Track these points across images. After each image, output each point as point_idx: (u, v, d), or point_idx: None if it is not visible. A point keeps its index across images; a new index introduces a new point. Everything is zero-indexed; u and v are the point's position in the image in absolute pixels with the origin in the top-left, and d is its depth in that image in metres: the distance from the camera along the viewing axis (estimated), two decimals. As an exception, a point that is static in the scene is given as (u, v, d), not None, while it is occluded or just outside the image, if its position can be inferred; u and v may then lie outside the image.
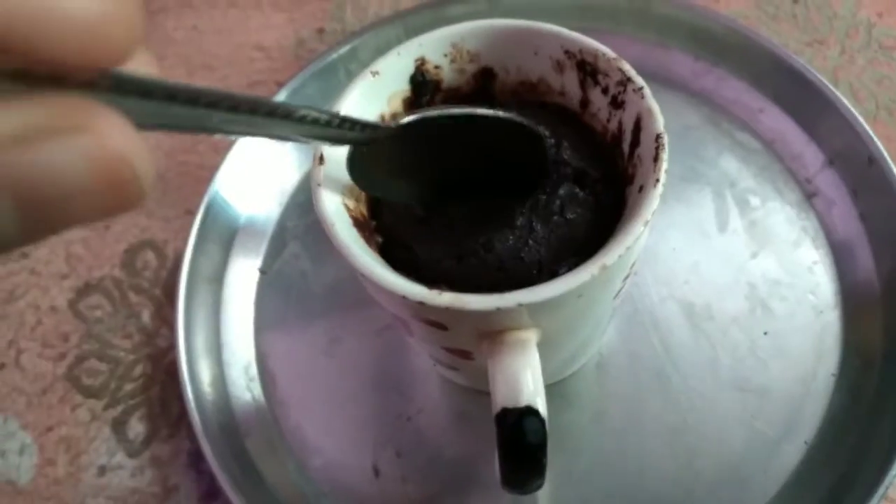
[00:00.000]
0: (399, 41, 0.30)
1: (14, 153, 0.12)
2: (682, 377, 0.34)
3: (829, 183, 0.38)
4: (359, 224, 0.26)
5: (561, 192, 0.27)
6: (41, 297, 0.42)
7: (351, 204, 0.27)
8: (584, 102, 0.29)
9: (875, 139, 0.37)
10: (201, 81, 0.48)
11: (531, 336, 0.24)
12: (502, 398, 0.23)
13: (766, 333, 0.35)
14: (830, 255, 0.37)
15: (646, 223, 0.23)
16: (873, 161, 0.37)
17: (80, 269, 0.43)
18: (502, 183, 0.27)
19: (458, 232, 0.27)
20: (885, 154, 0.37)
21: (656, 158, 0.24)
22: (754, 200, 0.39)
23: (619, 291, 0.27)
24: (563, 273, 0.23)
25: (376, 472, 0.34)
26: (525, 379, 0.23)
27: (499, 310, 0.22)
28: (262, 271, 0.41)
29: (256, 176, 0.43)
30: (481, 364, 0.25)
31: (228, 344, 0.39)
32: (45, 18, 0.12)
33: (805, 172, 0.39)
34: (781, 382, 0.34)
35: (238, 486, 0.33)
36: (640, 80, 0.26)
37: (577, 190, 0.27)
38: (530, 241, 0.26)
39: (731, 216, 0.39)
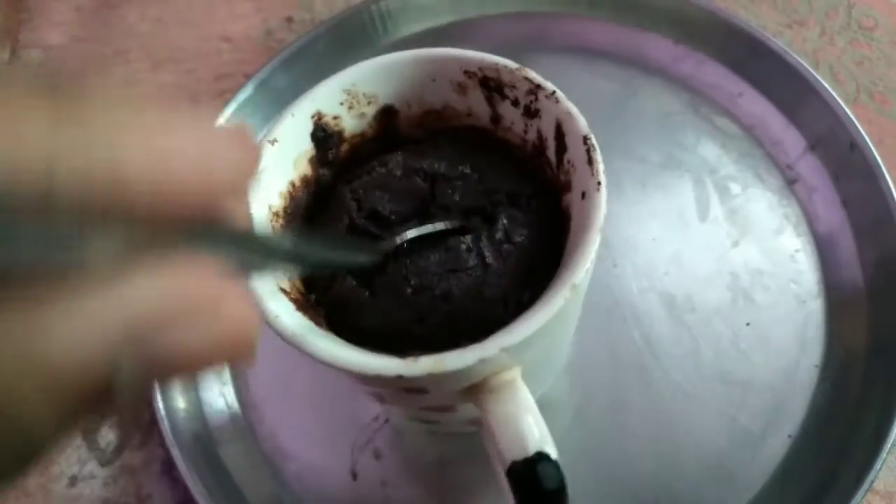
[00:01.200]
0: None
1: (152, 337, 0.12)
2: (664, 371, 0.34)
3: (810, 169, 0.38)
4: (300, 305, 0.24)
5: (502, 218, 0.26)
6: None
7: (286, 285, 0.25)
8: (496, 118, 0.28)
9: (857, 124, 0.36)
10: (167, 75, 0.47)
11: (515, 374, 0.23)
12: (508, 451, 0.22)
13: (748, 324, 0.35)
14: (812, 242, 0.36)
15: (600, 230, 0.22)
16: (855, 146, 0.36)
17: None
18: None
19: (410, 289, 0.25)
20: (867, 139, 0.36)
21: (590, 161, 0.23)
22: (735, 187, 0.38)
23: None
24: (528, 300, 0.22)
25: (354, 475, 0.34)
26: (527, 424, 0.22)
27: (482, 360, 0.21)
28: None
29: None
30: (463, 413, 0.24)
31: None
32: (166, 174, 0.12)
33: (786, 158, 0.38)
34: (765, 375, 0.33)
35: (212, 495, 0.32)
36: (550, 86, 0.25)
37: (516, 212, 0.26)
38: (487, 277, 0.25)
39: (711, 204, 0.38)
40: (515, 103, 0.27)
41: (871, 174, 0.35)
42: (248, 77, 0.43)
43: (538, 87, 0.26)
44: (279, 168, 0.27)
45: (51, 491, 0.36)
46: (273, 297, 0.24)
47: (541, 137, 0.27)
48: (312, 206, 0.29)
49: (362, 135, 0.30)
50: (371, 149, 0.30)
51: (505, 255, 0.25)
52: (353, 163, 0.29)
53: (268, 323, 0.23)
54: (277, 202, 0.27)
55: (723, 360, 0.34)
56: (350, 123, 0.29)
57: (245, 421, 0.36)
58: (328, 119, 0.28)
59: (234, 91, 0.42)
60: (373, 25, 0.44)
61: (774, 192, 0.38)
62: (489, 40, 0.44)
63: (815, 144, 0.38)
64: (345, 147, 0.29)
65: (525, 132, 0.27)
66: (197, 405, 0.36)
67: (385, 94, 0.29)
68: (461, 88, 0.28)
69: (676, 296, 0.36)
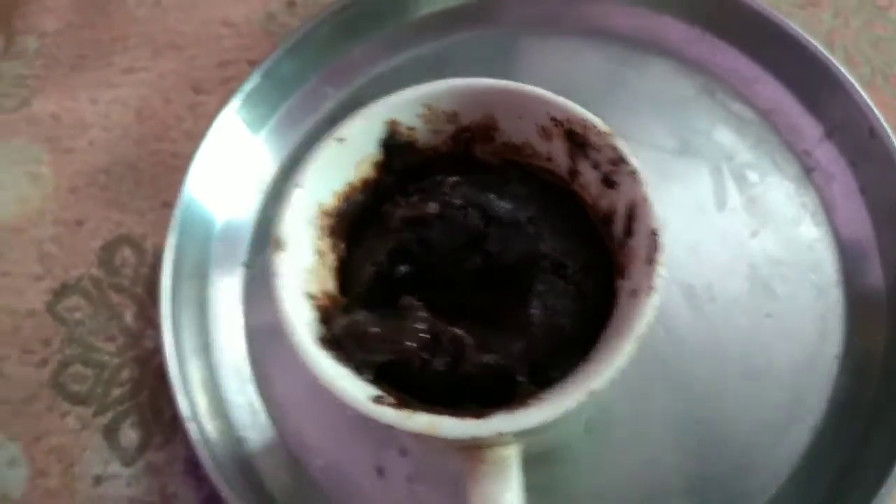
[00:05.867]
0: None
1: None
2: (686, 363, 0.34)
3: (828, 156, 0.38)
4: (326, 313, 0.25)
5: (541, 286, 0.26)
6: (16, 300, 0.40)
7: (314, 288, 0.25)
8: (573, 173, 0.28)
9: (875, 110, 0.36)
10: (168, 63, 0.45)
11: (512, 452, 0.23)
12: None
13: (768, 315, 0.35)
14: (831, 232, 0.36)
15: (637, 339, 0.22)
16: (874, 133, 0.36)
17: (56, 269, 0.41)
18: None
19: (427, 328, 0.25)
20: (885, 125, 0.36)
21: (650, 261, 0.23)
22: (752, 176, 0.38)
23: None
24: (557, 378, 0.22)
25: (380, 472, 0.34)
26: None
27: (475, 438, 0.21)
28: (247, 266, 0.39)
29: (234, 164, 0.41)
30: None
31: (218, 344, 0.38)
32: None
33: (803, 145, 0.38)
34: (786, 366, 0.34)
35: (238, 493, 0.32)
36: (634, 162, 0.25)
37: (557, 280, 0.26)
38: (516, 345, 0.25)
39: (729, 193, 0.38)
40: (596, 167, 0.26)
41: (889, 161, 0.35)
42: (252, 65, 0.43)
43: (621, 159, 0.25)
44: (340, 167, 0.27)
45: (76, 491, 0.36)
46: (295, 304, 0.24)
47: (612, 210, 0.26)
48: (364, 212, 0.28)
49: (434, 149, 0.29)
50: (441, 165, 0.29)
51: (536, 324, 0.25)
52: (418, 174, 0.29)
53: (285, 333, 0.23)
54: (330, 201, 0.27)
55: (744, 352, 0.34)
56: (424, 136, 0.29)
57: (268, 417, 0.36)
58: (402, 128, 0.28)
59: (238, 79, 0.41)
60: (380, 9, 0.43)
61: (792, 180, 0.38)
62: (502, 21, 0.43)
63: (833, 131, 0.38)
64: (413, 158, 0.29)
65: (599, 198, 0.27)
66: (218, 402, 0.36)
67: (467, 116, 0.28)
68: (545, 133, 0.27)
69: (696, 286, 0.36)
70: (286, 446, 0.35)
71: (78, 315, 0.40)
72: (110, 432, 0.37)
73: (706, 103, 0.40)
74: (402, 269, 0.28)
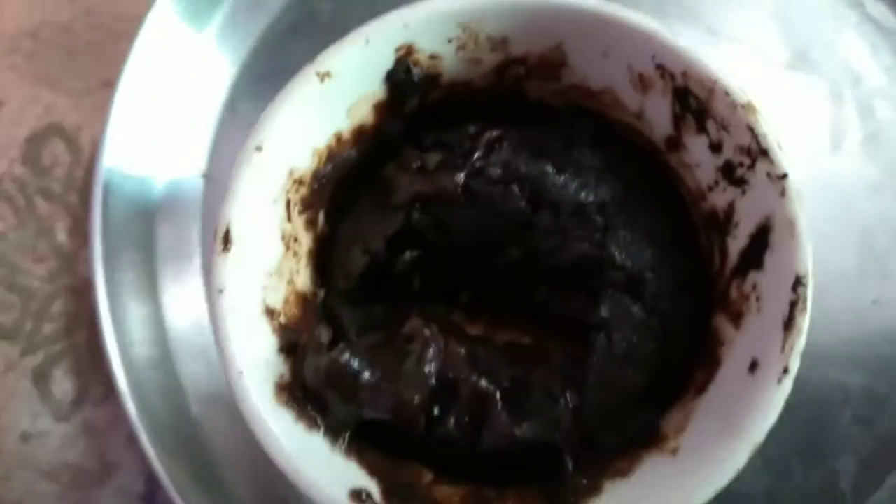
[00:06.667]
0: None
1: None
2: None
3: None
4: (290, 338, 0.18)
5: (607, 311, 0.18)
6: (-77, 199, 0.32)
7: (277, 299, 0.18)
8: (674, 143, 0.19)
9: None
10: None
11: None
12: None
13: (874, 302, 0.27)
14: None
15: (755, 448, 0.15)
16: None
17: (-30, 161, 0.32)
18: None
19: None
20: None
21: (788, 325, 0.15)
22: (883, 108, 0.29)
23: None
24: (612, 443, 0.16)
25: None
26: None
27: None
28: (207, 177, 0.31)
29: (193, 35, 0.31)
30: None
31: (167, 276, 0.30)
32: None
33: (960, 69, 0.28)
34: (890, 366, 0.27)
35: (183, 471, 0.27)
36: (782, 162, 0.16)
37: (630, 304, 0.18)
38: (565, 406, 0.18)
39: (848, 128, 0.29)
40: (716, 148, 0.18)
41: None
42: None
43: (764, 152, 0.16)
44: (324, 114, 0.19)
45: (1, 446, 0.30)
46: (248, 335, 0.16)
47: (729, 217, 0.18)
48: (357, 173, 0.20)
49: (467, 85, 0.20)
50: (474, 108, 0.20)
51: (596, 375, 0.17)
52: (439, 120, 0.20)
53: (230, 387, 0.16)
54: (306, 163, 0.19)
55: (838, 345, 0.27)
56: (454, 67, 0.20)
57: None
58: (421, 57, 0.19)
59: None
60: None
61: (937, 120, 0.28)
62: None
63: None
64: (434, 96, 0.20)
65: (709, 189, 0.18)
66: (164, 351, 0.30)
67: (522, 45, 0.19)
68: (642, 82, 0.18)
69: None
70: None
71: (0, 226, 0.32)
72: (40, 378, 0.31)
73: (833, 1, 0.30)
74: (407, 256, 0.20)
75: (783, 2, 0.30)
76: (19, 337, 0.31)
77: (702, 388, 0.17)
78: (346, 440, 0.17)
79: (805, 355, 0.26)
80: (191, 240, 0.30)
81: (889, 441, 0.26)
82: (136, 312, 0.29)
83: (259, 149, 0.17)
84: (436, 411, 0.17)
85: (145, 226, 0.30)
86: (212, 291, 0.17)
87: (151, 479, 0.29)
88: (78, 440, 0.30)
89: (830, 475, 0.26)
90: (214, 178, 0.31)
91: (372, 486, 0.17)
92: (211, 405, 0.29)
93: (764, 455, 0.26)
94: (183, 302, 0.30)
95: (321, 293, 0.20)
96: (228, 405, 0.28)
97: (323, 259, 0.20)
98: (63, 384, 0.30)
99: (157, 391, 0.28)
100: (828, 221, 0.28)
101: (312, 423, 0.17)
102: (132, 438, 0.29)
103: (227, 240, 0.17)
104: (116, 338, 0.28)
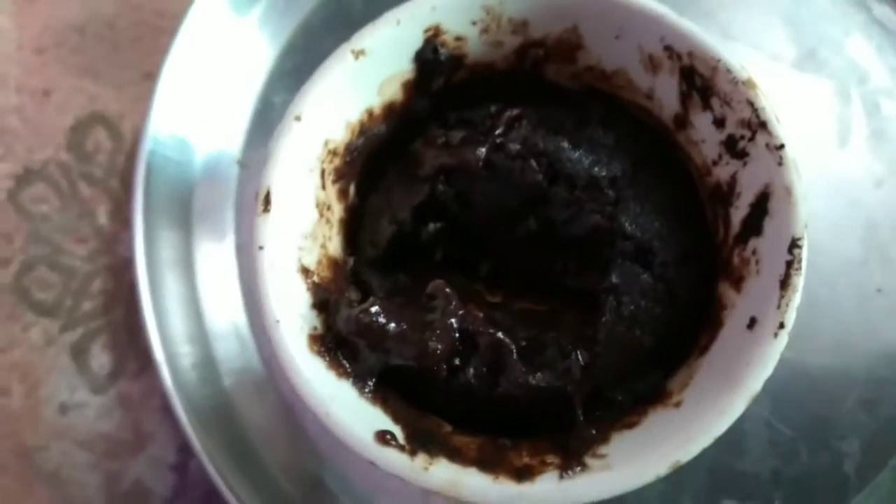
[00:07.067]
0: None
1: None
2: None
3: None
4: (323, 295, 0.19)
5: (618, 278, 0.19)
6: (-28, 183, 0.34)
7: (311, 259, 0.20)
8: (681, 122, 0.20)
9: None
10: None
11: None
12: None
13: (879, 291, 0.28)
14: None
15: (752, 398, 0.16)
16: None
17: (18, 148, 0.34)
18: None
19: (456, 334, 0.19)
20: None
21: (784, 284, 0.16)
22: (888, 106, 0.30)
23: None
24: (621, 400, 0.17)
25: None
26: None
27: None
28: (242, 164, 0.32)
29: (230, 31, 0.32)
30: None
31: (203, 256, 0.31)
32: None
33: (963, 69, 0.29)
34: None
35: (216, 442, 0.28)
36: (780, 134, 0.17)
37: (640, 272, 0.19)
38: (576, 359, 0.19)
39: (854, 126, 0.30)
40: (720, 123, 0.19)
41: None
42: None
43: (762, 124, 0.17)
44: (358, 90, 0.20)
45: (40, 417, 0.32)
46: (285, 289, 0.18)
47: (731, 187, 0.19)
48: (386, 147, 0.21)
49: (489, 66, 0.22)
50: (496, 88, 0.22)
51: (607, 333, 0.19)
52: (463, 99, 0.22)
53: (269, 336, 0.17)
54: (340, 135, 0.21)
55: (844, 331, 0.28)
56: (478, 49, 0.21)
57: (258, 349, 0.30)
58: (448, 38, 0.21)
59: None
60: None
61: (940, 118, 0.29)
62: None
63: None
64: (459, 76, 0.22)
65: (713, 164, 0.19)
66: (199, 328, 0.31)
67: (541, 27, 0.21)
68: (652, 63, 0.20)
69: (795, 246, 0.28)
70: (276, 388, 0.30)
71: (44, 209, 0.34)
72: (79, 353, 0.32)
73: (841, 3, 0.31)
74: (431, 228, 0.21)
75: (793, 5, 0.31)
76: (59, 313, 0.32)
77: (705, 349, 0.18)
78: (372, 387, 0.19)
79: (810, 340, 0.27)
80: (225, 222, 0.32)
81: (893, 424, 0.27)
82: (172, 289, 0.31)
83: (298, 119, 0.19)
84: (456, 361, 0.19)
85: (183, 208, 0.32)
86: (253, 248, 0.18)
87: (183, 449, 0.31)
88: (113, 412, 0.31)
89: (835, 457, 0.27)
90: (248, 164, 0.32)
91: (396, 431, 0.18)
92: (242, 378, 0.30)
93: (770, 437, 0.27)
94: (217, 280, 0.31)
95: (350, 261, 0.22)
96: (258, 380, 0.30)
97: (353, 230, 0.22)
98: (100, 358, 0.32)
99: (191, 364, 0.30)
100: (834, 214, 0.29)
101: (342, 372, 0.19)
102: (166, 410, 0.31)
103: (267, 201, 0.19)
104: (154, 312, 0.29)
